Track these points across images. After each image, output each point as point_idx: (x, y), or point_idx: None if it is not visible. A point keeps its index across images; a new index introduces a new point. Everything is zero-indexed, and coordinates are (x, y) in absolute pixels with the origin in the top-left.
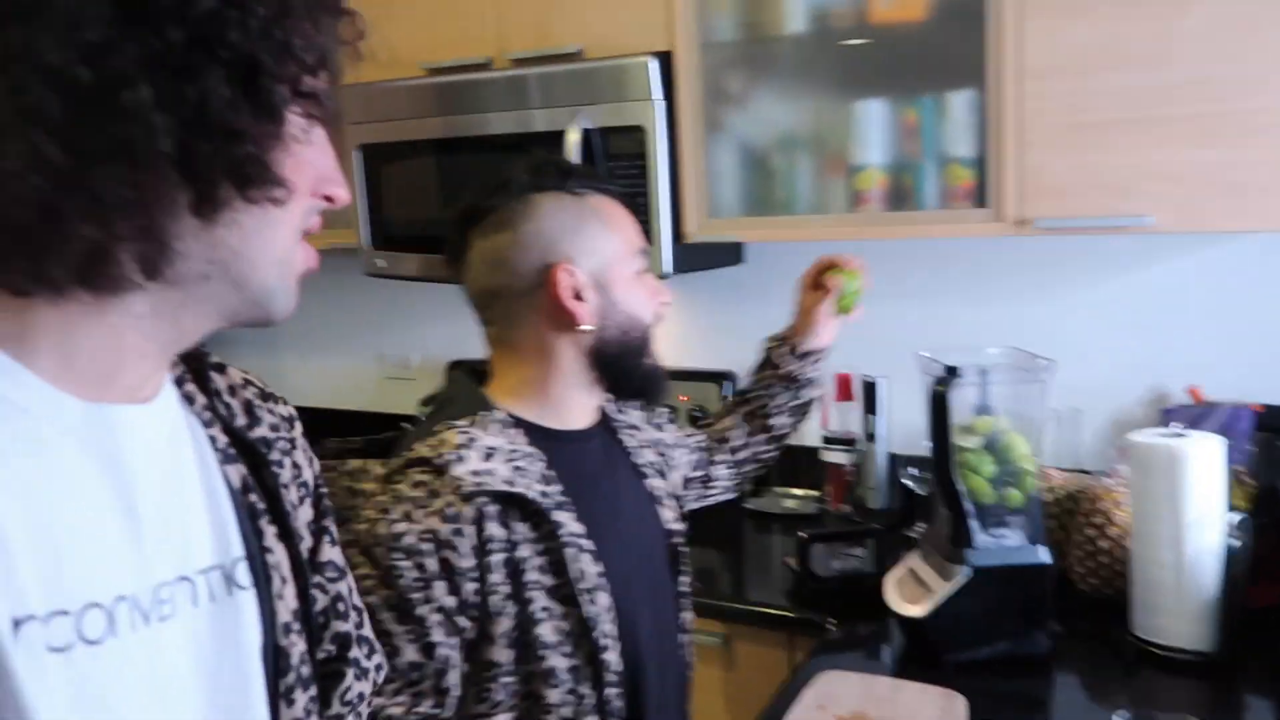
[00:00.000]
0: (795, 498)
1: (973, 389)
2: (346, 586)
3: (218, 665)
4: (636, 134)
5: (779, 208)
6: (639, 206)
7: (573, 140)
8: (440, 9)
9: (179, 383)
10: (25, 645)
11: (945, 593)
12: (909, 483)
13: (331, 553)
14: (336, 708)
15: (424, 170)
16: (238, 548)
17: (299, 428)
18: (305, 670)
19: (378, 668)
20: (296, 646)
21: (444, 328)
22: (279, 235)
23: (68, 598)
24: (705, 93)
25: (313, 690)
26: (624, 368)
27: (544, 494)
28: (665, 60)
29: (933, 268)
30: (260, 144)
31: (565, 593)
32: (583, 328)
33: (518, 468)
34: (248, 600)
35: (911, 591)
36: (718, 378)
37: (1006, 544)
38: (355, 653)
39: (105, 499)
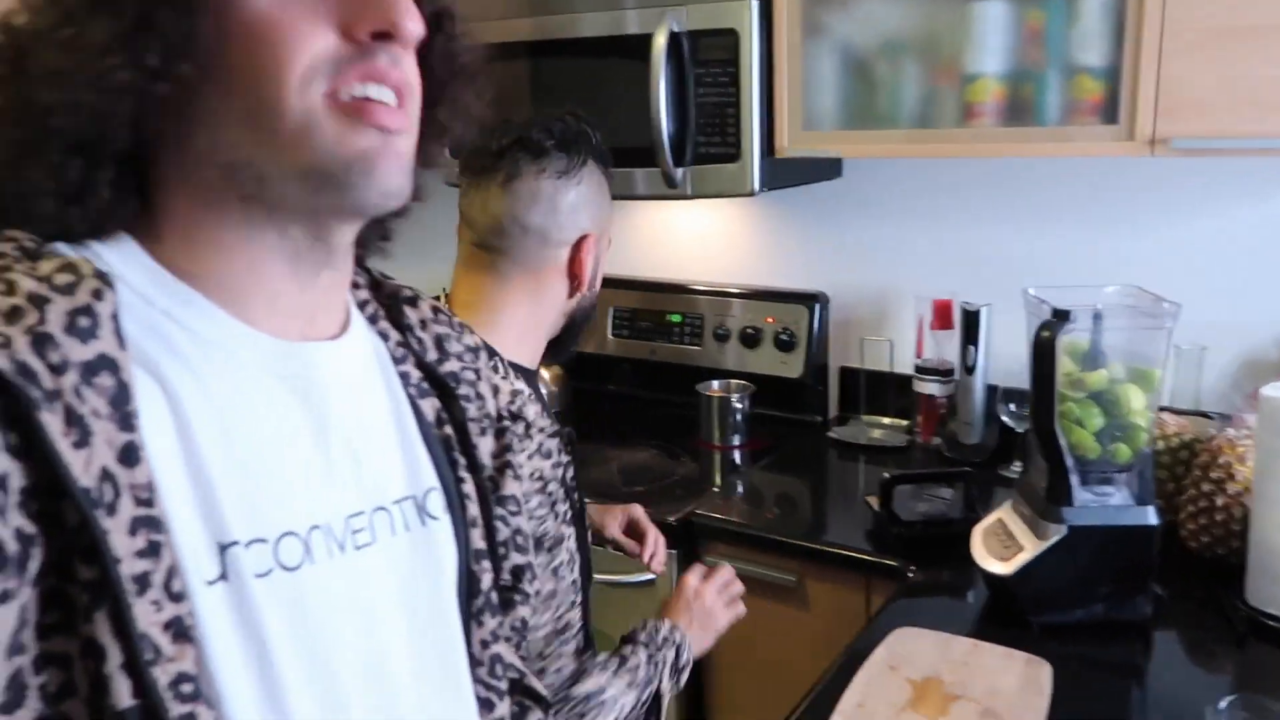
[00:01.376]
0: (883, 427)
1: (1082, 332)
2: (524, 520)
3: (416, 591)
4: (729, 37)
5: (881, 120)
6: (729, 118)
7: (659, 45)
8: None
9: (373, 319)
10: (233, 569)
11: (1036, 551)
12: (1007, 419)
13: (513, 486)
14: (506, 631)
15: (511, 74)
16: (429, 479)
17: (484, 358)
18: (494, 596)
19: (536, 593)
20: (486, 573)
21: None
22: None
23: (265, 526)
24: None
25: (500, 615)
26: (578, 330)
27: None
28: None
29: (1047, 189)
30: None
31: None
32: (583, 292)
33: None
34: (441, 529)
35: (999, 546)
36: (808, 299)
37: (1110, 503)
38: (526, 584)
39: (301, 433)
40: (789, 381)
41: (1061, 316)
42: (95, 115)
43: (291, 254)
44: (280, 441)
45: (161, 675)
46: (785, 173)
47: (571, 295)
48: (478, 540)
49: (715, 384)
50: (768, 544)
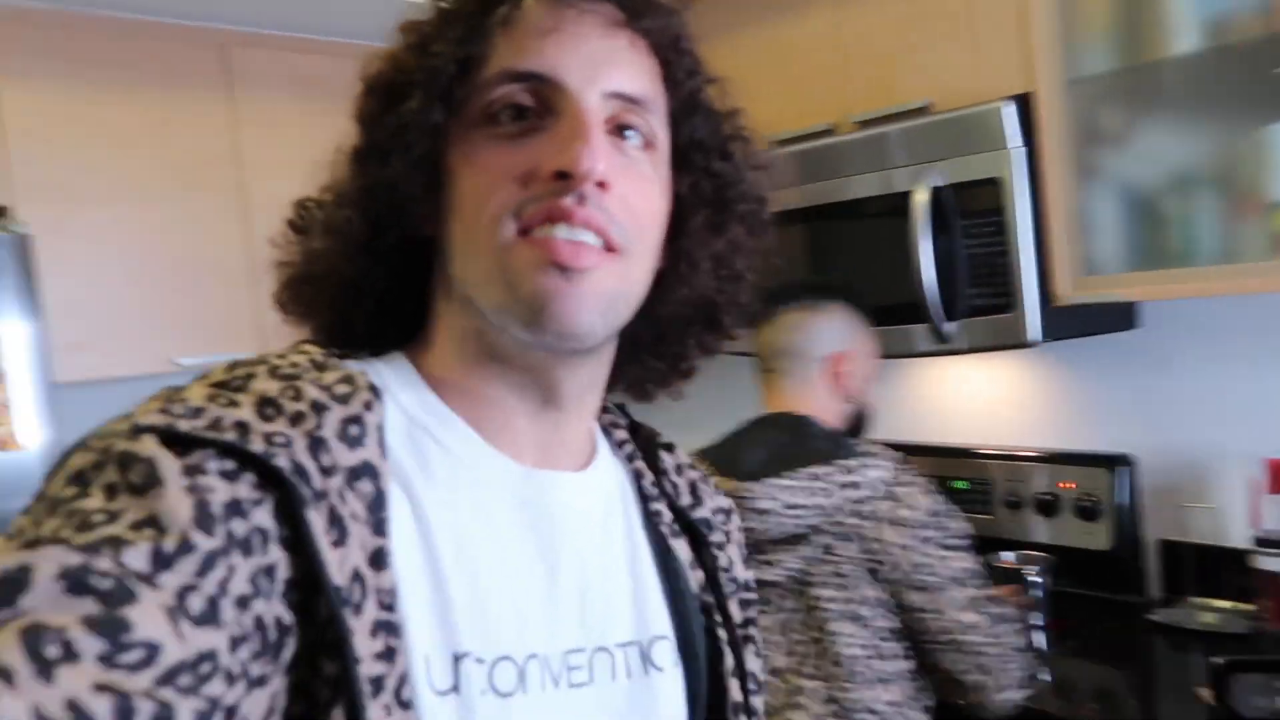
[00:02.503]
0: (1218, 611)
1: None
2: (762, 702)
3: None
4: (992, 187)
5: (1175, 259)
6: (998, 267)
7: (920, 201)
8: (785, 80)
9: (630, 458)
10: (465, 681)
11: None
12: None
13: (753, 663)
14: None
15: (788, 240)
16: (659, 627)
17: (735, 521)
18: None
19: None
20: None
21: None
22: None
23: (486, 646)
24: (1075, 134)
25: None
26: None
27: None
28: (1025, 103)
29: None
30: None
31: None
32: (849, 395)
33: None
34: (665, 681)
35: None
36: (1110, 461)
37: None
38: None
39: (530, 560)
40: (1096, 555)
41: None
42: (342, 258)
43: (517, 386)
44: (510, 564)
45: None
46: (1069, 322)
47: (842, 399)
48: (735, 693)
49: (1009, 556)
50: None
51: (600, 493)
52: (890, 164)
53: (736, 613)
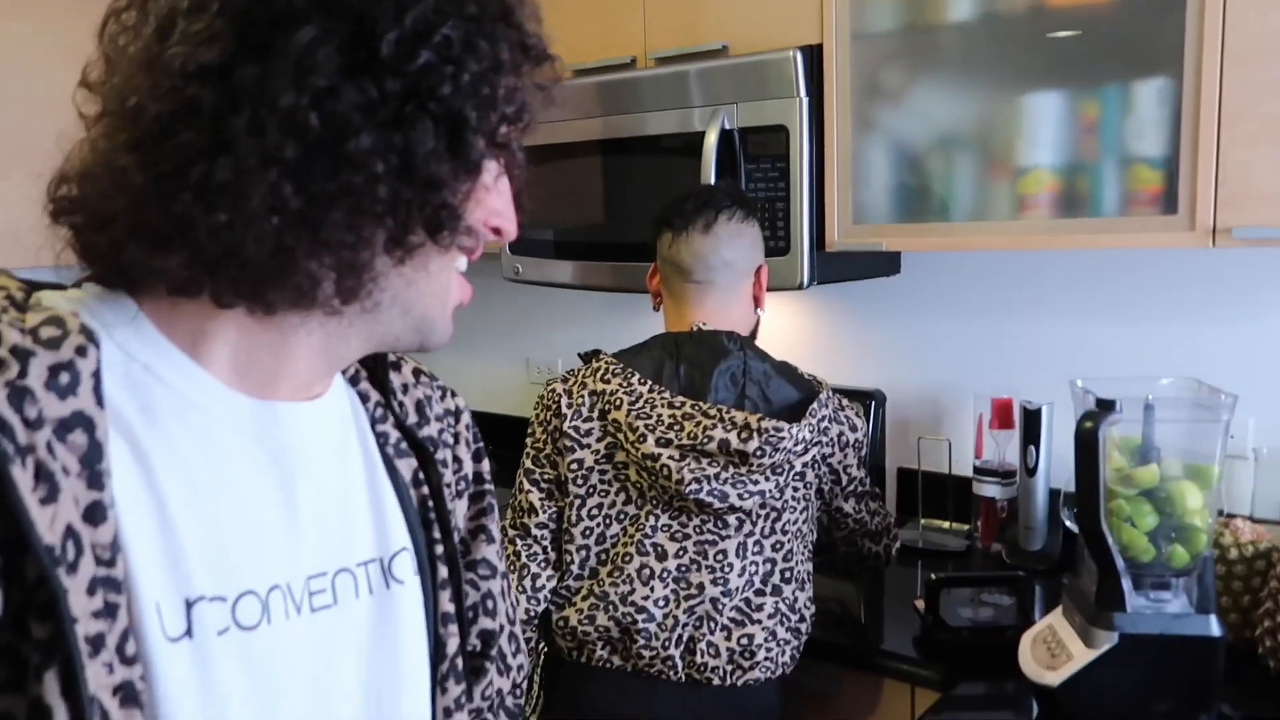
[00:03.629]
0: (942, 531)
1: (1134, 425)
2: (499, 585)
3: (375, 655)
4: (779, 133)
5: (933, 214)
6: (779, 212)
7: (710, 141)
8: (586, 10)
9: (354, 380)
10: (199, 625)
11: (1085, 661)
12: (1070, 524)
13: (486, 550)
14: (477, 701)
15: (564, 175)
16: (399, 541)
17: (465, 419)
18: (459, 662)
19: (519, 667)
20: (453, 638)
21: (586, 334)
22: (448, 272)
23: (227, 584)
24: (856, 88)
25: (463, 683)
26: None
27: None
28: (815, 54)
29: (1108, 283)
30: (456, 194)
31: None
32: (762, 309)
33: None
34: (406, 592)
35: (1048, 655)
36: (864, 397)
37: (1167, 610)
38: (500, 649)
39: (267, 492)
40: None
41: (1106, 407)
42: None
43: (338, 358)
44: (245, 499)
45: None
46: (838, 267)
47: (755, 310)
48: (445, 603)
49: None
50: (807, 647)
51: (334, 418)
52: (685, 103)
53: (466, 509)
